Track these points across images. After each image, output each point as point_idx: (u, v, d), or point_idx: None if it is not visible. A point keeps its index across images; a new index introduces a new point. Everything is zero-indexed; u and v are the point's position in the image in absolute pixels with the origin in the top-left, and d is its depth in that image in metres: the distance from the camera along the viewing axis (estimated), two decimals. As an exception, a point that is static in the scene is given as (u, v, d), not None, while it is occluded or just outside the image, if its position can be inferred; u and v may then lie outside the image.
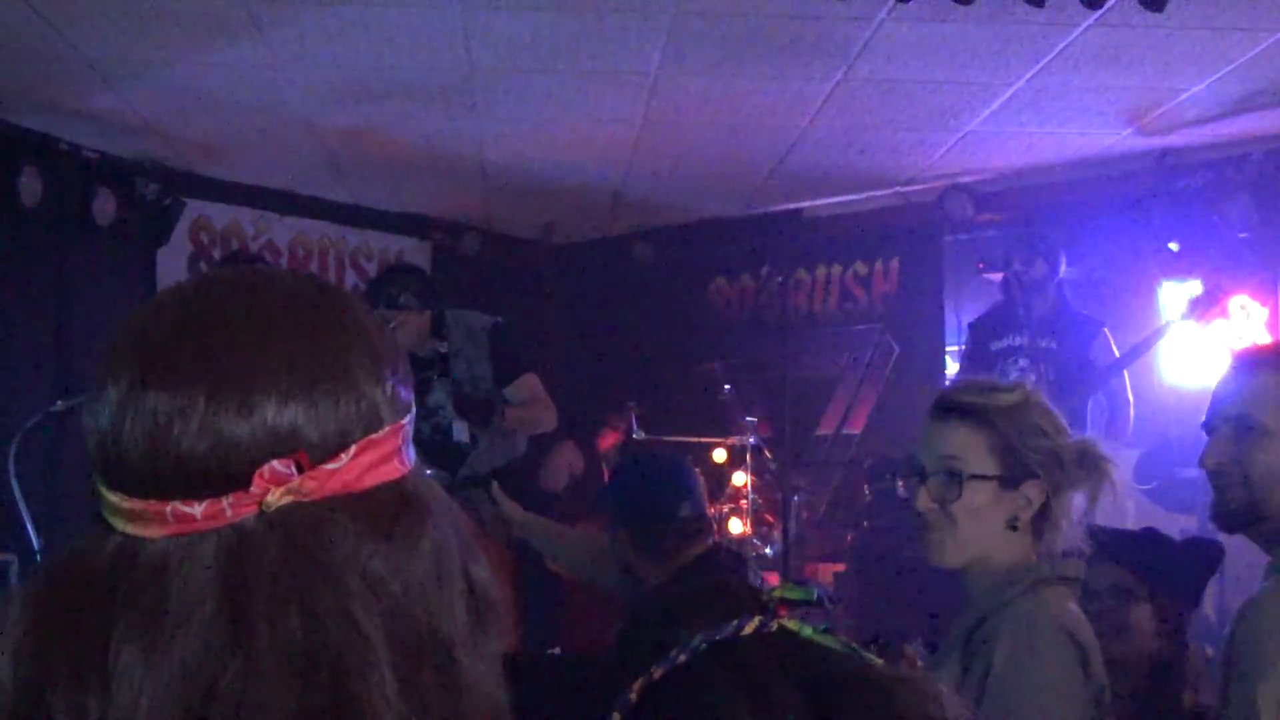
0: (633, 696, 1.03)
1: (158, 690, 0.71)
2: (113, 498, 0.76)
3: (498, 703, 0.81)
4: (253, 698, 0.70)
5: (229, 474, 0.74)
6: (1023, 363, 4.96)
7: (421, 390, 4.56)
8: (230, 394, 0.75)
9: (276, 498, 0.74)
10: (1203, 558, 2.62)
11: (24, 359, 5.05)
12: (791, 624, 1.03)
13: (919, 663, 2.16)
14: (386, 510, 0.78)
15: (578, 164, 5.80)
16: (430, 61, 4.39)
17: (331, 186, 6.29)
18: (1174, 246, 5.42)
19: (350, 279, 6.59)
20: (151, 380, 0.76)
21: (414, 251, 6.90)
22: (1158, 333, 4.95)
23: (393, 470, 0.79)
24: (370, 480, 0.78)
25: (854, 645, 1.02)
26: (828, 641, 1.02)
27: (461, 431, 4.51)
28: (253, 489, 0.74)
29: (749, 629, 1.03)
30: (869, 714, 0.96)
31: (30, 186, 5.01)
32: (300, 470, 0.75)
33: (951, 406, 1.93)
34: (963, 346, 5.51)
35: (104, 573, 0.75)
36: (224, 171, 5.96)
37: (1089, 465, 1.90)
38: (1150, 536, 2.74)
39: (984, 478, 1.88)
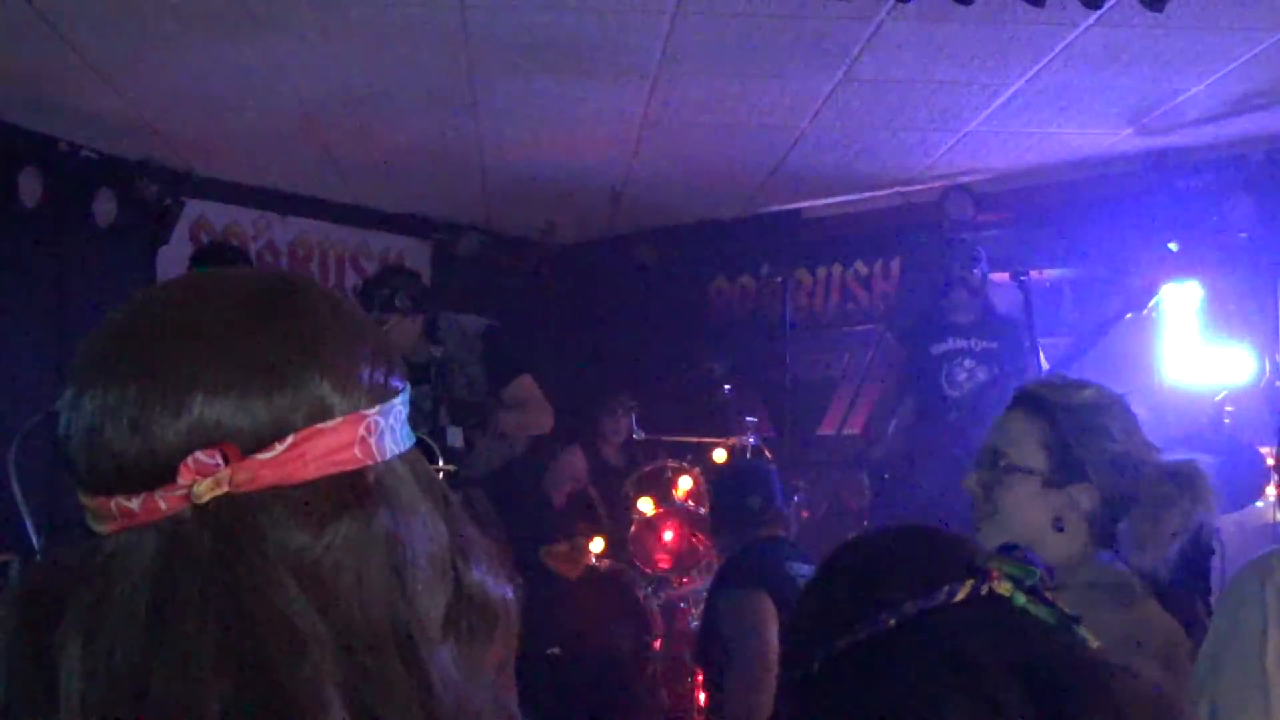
0: (834, 651, 1.02)
1: (94, 687, 0.71)
2: (80, 496, 0.78)
3: (484, 705, 0.79)
4: (182, 694, 0.69)
5: (159, 468, 0.75)
6: (969, 363, 5.02)
7: (415, 396, 4.56)
8: (158, 391, 0.75)
9: (206, 489, 0.74)
10: (1196, 544, 2.62)
11: (24, 359, 5.04)
12: (1003, 588, 1.00)
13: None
14: (330, 501, 0.77)
15: (578, 164, 5.80)
16: (430, 61, 4.39)
17: (331, 186, 6.29)
18: (1174, 246, 5.41)
19: (350, 279, 6.59)
20: (88, 382, 0.78)
21: (414, 251, 6.90)
22: (1103, 327, 4.98)
23: (348, 460, 0.78)
24: (317, 471, 0.77)
25: (1066, 615, 0.99)
26: (1040, 613, 0.99)
27: (455, 437, 4.51)
28: (180, 479, 0.74)
29: (961, 594, 1.00)
30: (1089, 708, 0.93)
31: (30, 186, 5.01)
32: (227, 461, 0.75)
33: (1022, 397, 1.94)
34: (887, 359, 5.56)
35: (66, 572, 0.76)
36: (224, 171, 5.96)
37: (1183, 485, 1.85)
38: None
39: (1026, 471, 1.87)
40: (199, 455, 0.74)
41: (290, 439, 0.76)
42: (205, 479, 0.74)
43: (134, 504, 0.75)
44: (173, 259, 5.87)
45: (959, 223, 5.95)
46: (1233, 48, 4.12)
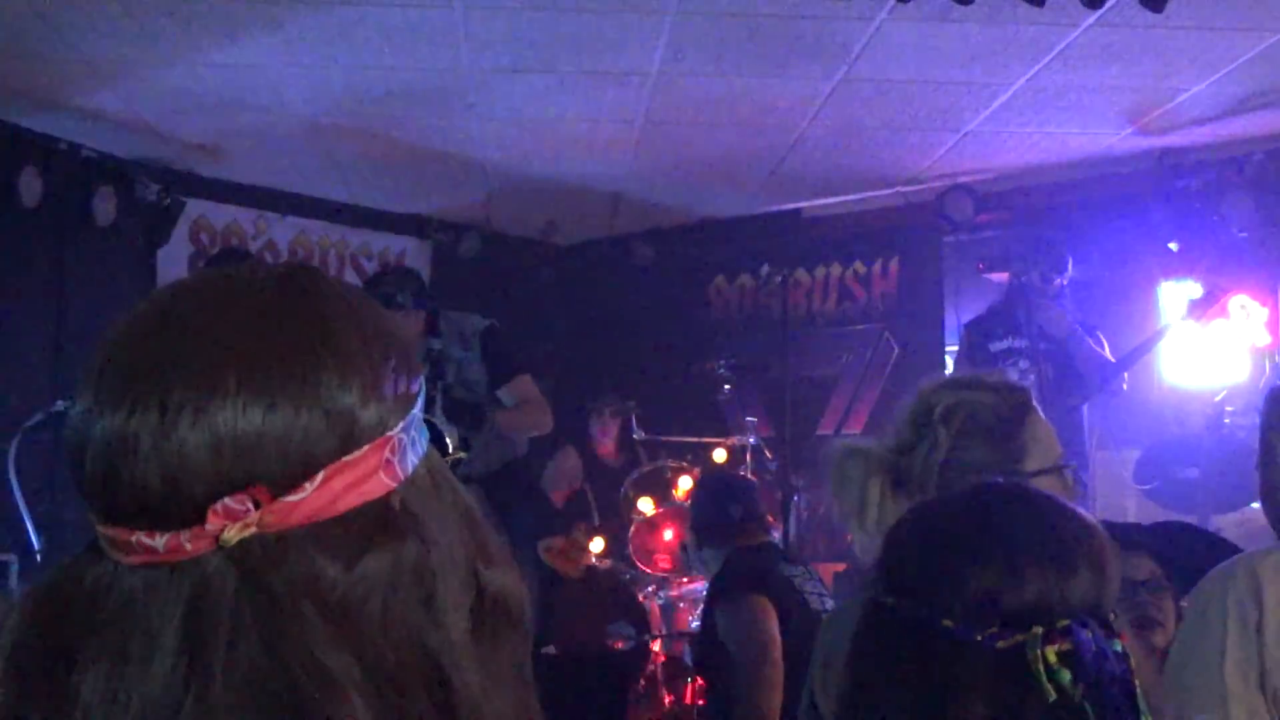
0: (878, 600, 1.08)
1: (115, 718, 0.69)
2: (93, 521, 0.74)
3: (508, 710, 0.78)
4: None
5: (183, 508, 0.71)
6: (1023, 364, 4.96)
7: None
8: (179, 419, 0.71)
9: (235, 533, 0.71)
10: (1213, 551, 2.62)
11: (24, 359, 5.05)
12: (1051, 654, 1.04)
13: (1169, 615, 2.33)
14: (359, 534, 0.74)
15: (578, 164, 5.80)
16: (430, 61, 4.39)
17: (331, 186, 6.29)
18: (1174, 246, 5.42)
19: (350, 279, 6.59)
20: (105, 401, 0.73)
21: (414, 251, 6.90)
22: (1157, 335, 4.95)
23: (375, 488, 0.75)
24: (345, 504, 0.74)
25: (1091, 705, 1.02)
26: (1063, 680, 1.02)
27: (451, 436, 4.51)
28: (208, 526, 0.71)
29: (1036, 632, 1.04)
30: None
31: (30, 186, 5.01)
32: (258, 505, 0.72)
33: None
34: (960, 347, 5.50)
35: (84, 598, 0.73)
36: (224, 171, 5.96)
37: None
38: (1180, 528, 2.76)
39: None
40: (229, 502, 0.71)
41: (320, 477, 0.73)
42: (234, 524, 0.71)
43: (157, 543, 0.72)
44: (173, 259, 5.88)
45: (958, 223, 5.96)
46: (1233, 48, 4.13)
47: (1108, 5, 3.68)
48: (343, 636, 0.72)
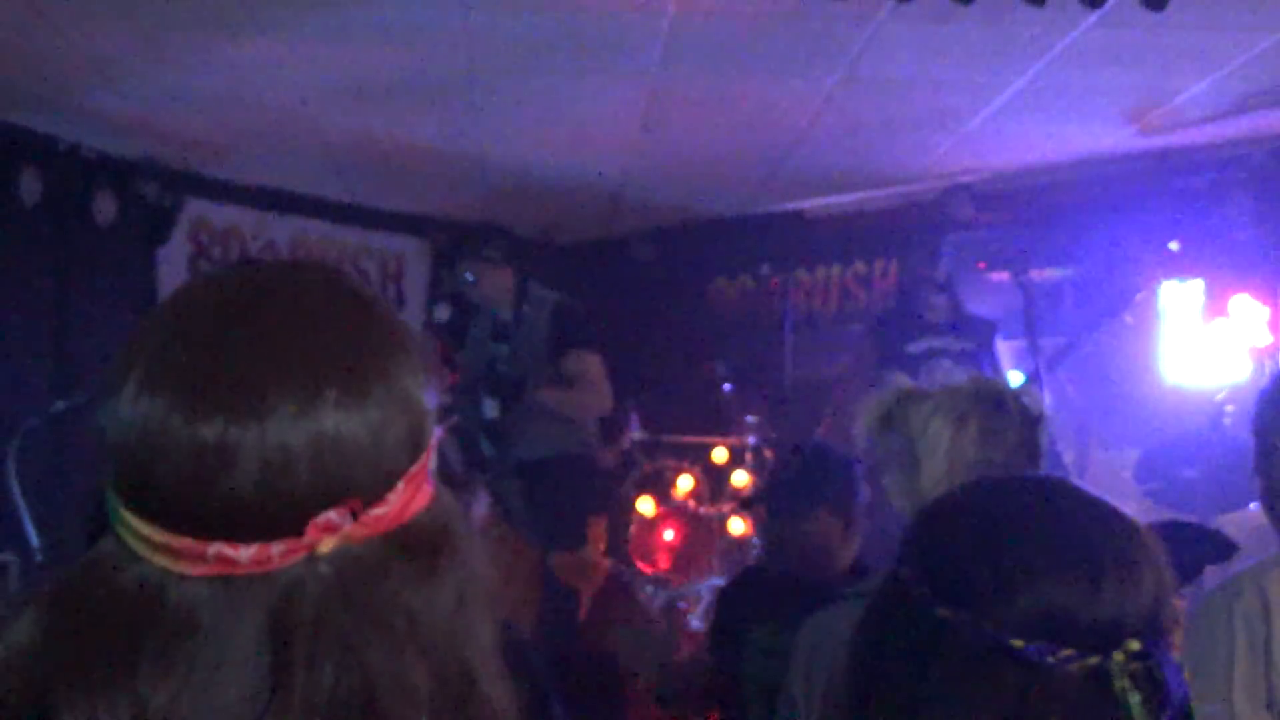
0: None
1: None
2: (142, 528, 0.71)
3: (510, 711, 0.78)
4: None
5: (278, 519, 0.70)
6: (947, 364, 4.95)
7: (498, 354, 4.52)
8: (282, 428, 0.69)
9: (329, 545, 0.70)
10: (1213, 548, 2.62)
11: (24, 359, 5.04)
12: (1122, 682, 0.93)
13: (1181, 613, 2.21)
14: (427, 543, 0.74)
15: (578, 164, 5.80)
16: (430, 61, 4.39)
17: (331, 186, 6.29)
18: (1174, 246, 5.41)
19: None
20: (193, 409, 0.69)
21: (414, 251, 6.91)
22: (1067, 350, 4.93)
23: (427, 494, 0.76)
24: (410, 512, 0.74)
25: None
26: (1134, 706, 0.92)
27: (492, 408, 4.45)
28: (305, 537, 0.70)
29: (1075, 667, 0.93)
30: None
31: (30, 186, 5.02)
32: (354, 517, 0.71)
33: None
34: (856, 352, 5.45)
35: (129, 604, 0.70)
36: (224, 171, 5.96)
37: None
38: (1175, 525, 2.76)
39: None
40: (331, 515, 0.70)
41: (400, 486, 0.73)
42: (331, 535, 0.70)
43: (240, 554, 0.69)
44: (173, 259, 5.88)
45: (958, 222, 5.96)
46: (1233, 48, 4.12)
47: (1108, 5, 3.68)
48: (420, 649, 0.71)
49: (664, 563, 6.00)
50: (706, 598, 6.10)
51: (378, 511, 0.72)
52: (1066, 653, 0.92)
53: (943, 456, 1.85)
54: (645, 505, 6.11)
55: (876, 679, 1.00)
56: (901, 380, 1.97)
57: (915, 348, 5.04)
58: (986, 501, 1.06)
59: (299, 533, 0.70)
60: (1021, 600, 0.94)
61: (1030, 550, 0.97)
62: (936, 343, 4.97)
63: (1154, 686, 0.92)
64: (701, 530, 6.00)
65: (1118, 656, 0.92)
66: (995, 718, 0.93)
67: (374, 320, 0.76)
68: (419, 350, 0.77)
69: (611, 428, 6.39)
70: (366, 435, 0.71)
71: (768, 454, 6.21)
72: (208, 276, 0.79)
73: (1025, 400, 1.96)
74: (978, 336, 5.02)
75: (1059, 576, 0.95)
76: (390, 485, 0.72)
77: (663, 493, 6.17)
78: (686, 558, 5.97)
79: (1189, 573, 2.55)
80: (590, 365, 4.49)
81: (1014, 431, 1.89)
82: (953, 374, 4.96)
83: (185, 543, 0.70)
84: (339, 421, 0.70)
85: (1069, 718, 0.92)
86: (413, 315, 6.90)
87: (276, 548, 0.70)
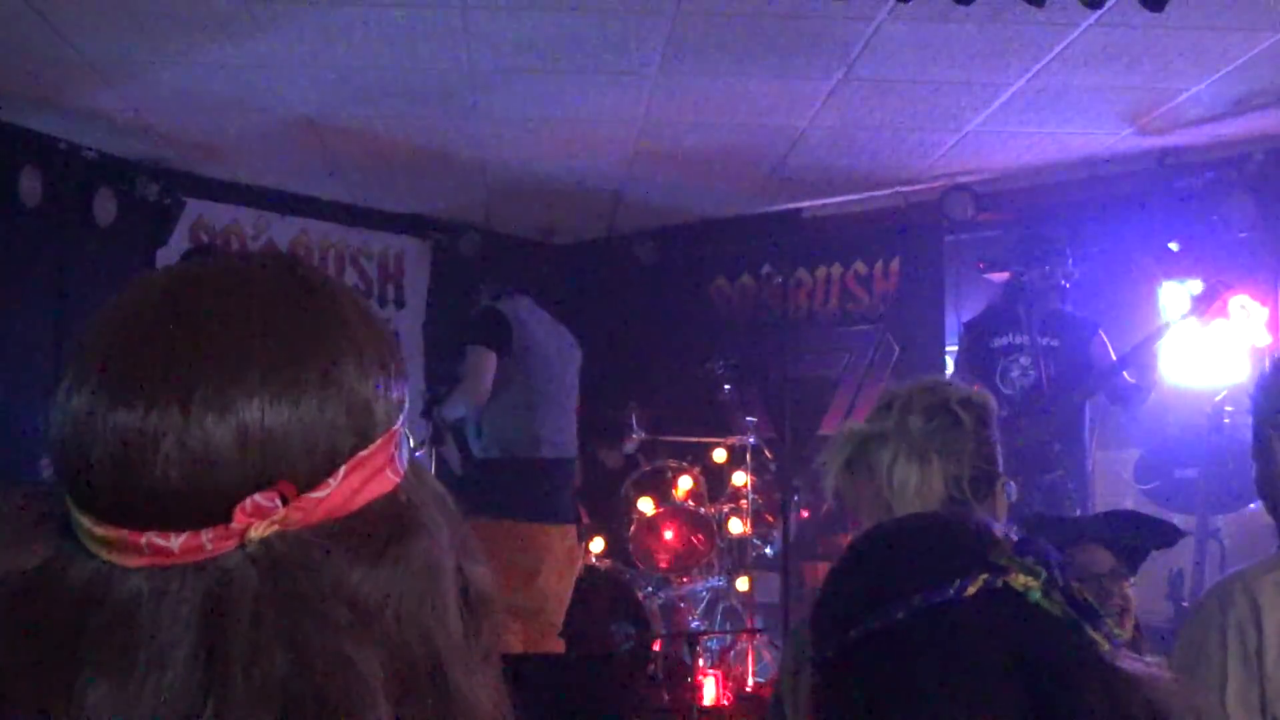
0: (846, 640, 1.02)
1: None
2: (84, 520, 0.70)
3: (492, 713, 0.77)
4: None
5: (205, 507, 0.68)
6: (1024, 360, 4.93)
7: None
8: (204, 416, 0.68)
9: (260, 531, 0.69)
10: (1156, 534, 2.62)
11: (24, 359, 5.04)
12: (1019, 582, 0.99)
13: (1132, 601, 2.24)
14: (378, 531, 0.72)
15: (578, 164, 5.81)
16: (430, 61, 4.39)
17: (331, 186, 6.29)
18: (1174, 246, 5.41)
19: (350, 279, 6.59)
20: (117, 396, 0.69)
21: (414, 251, 6.91)
22: (1158, 332, 4.94)
23: (384, 484, 0.74)
24: (360, 500, 0.72)
25: (1083, 612, 0.97)
26: (1054, 609, 0.97)
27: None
28: (233, 524, 0.68)
29: (972, 589, 0.99)
30: (1087, 708, 0.92)
31: (30, 186, 5.02)
32: (285, 502, 0.69)
33: None
34: (960, 345, 5.48)
35: (77, 599, 0.69)
36: (224, 171, 5.97)
37: None
38: (1124, 515, 2.77)
39: None
40: (258, 499, 0.68)
41: (342, 471, 0.71)
42: (261, 522, 0.68)
43: (172, 543, 0.68)
44: (173, 259, 5.87)
45: (959, 223, 5.96)
46: (1233, 48, 4.13)
47: (1108, 5, 3.68)
48: (369, 637, 0.70)
49: (664, 563, 6.00)
50: (706, 598, 6.11)
51: (315, 496, 0.70)
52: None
53: (913, 497, 1.91)
54: (645, 505, 6.11)
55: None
56: (851, 425, 2.01)
57: (997, 342, 5.04)
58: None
59: (229, 520, 0.68)
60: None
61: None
62: (1020, 338, 4.96)
63: (1049, 571, 1.00)
64: (701, 530, 6.00)
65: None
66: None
67: (317, 309, 0.74)
68: (374, 340, 0.76)
69: (613, 429, 6.40)
70: (295, 422, 0.70)
71: (768, 454, 6.22)
72: (158, 271, 0.78)
73: (975, 400, 2.00)
74: (1067, 334, 4.96)
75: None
76: (329, 471, 0.71)
77: (663, 493, 6.17)
78: (686, 558, 5.97)
79: (1134, 560, 2.56)
80: (467, 359, 4.64)
81: (970, 439, 1.94)
82: (1028, 373, 4.93)
83: (120, 534, 0.69)
84: (264, 407, 0.69)
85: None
86: (413, 315, 6.91)
87: (206, 535, 0.68)
